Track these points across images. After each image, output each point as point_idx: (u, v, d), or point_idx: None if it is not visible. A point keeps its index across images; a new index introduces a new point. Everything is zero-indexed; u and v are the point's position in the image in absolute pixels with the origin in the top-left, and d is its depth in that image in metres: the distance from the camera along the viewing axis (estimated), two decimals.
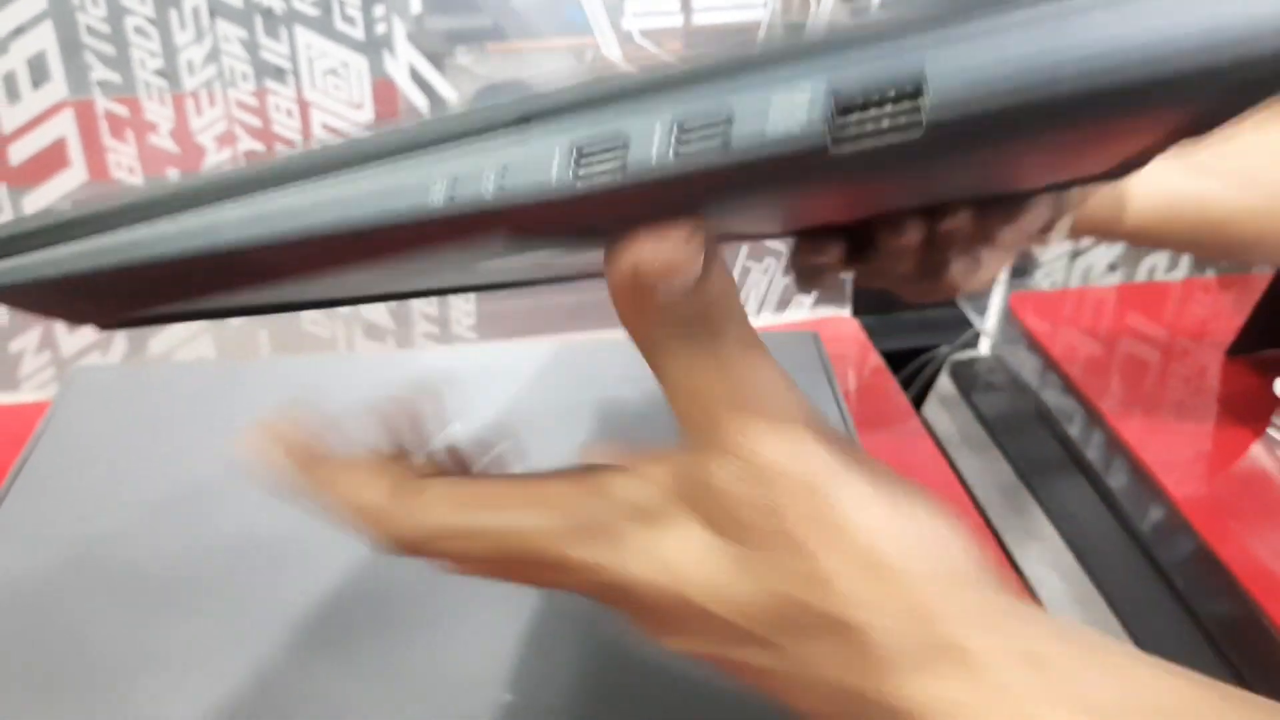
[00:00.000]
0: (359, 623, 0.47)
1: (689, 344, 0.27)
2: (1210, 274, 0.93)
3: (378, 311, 0.88)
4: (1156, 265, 0.94)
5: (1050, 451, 0.71)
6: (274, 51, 0.77)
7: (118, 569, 0.51)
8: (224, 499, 0.54)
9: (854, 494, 0.26)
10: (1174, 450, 0.66)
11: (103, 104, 0.79)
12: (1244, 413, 0.67)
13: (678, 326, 0.26)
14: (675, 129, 0.23)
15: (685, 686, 0.43)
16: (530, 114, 0.25)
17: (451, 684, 0.44)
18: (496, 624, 0.46)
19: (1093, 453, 0.69)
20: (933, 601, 0.25)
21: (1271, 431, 0.64)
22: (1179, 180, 0.50)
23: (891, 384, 0.75)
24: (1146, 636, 0.58)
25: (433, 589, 0.47)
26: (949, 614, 0.25)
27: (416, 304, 0.86)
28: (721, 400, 0.26)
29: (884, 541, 0.26)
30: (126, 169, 0.82)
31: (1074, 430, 0.70)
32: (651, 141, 0.23)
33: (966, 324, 0.89)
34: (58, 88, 0.78)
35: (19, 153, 0.79)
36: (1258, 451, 0.64)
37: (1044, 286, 0.92)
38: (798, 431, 0.27)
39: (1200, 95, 0.22)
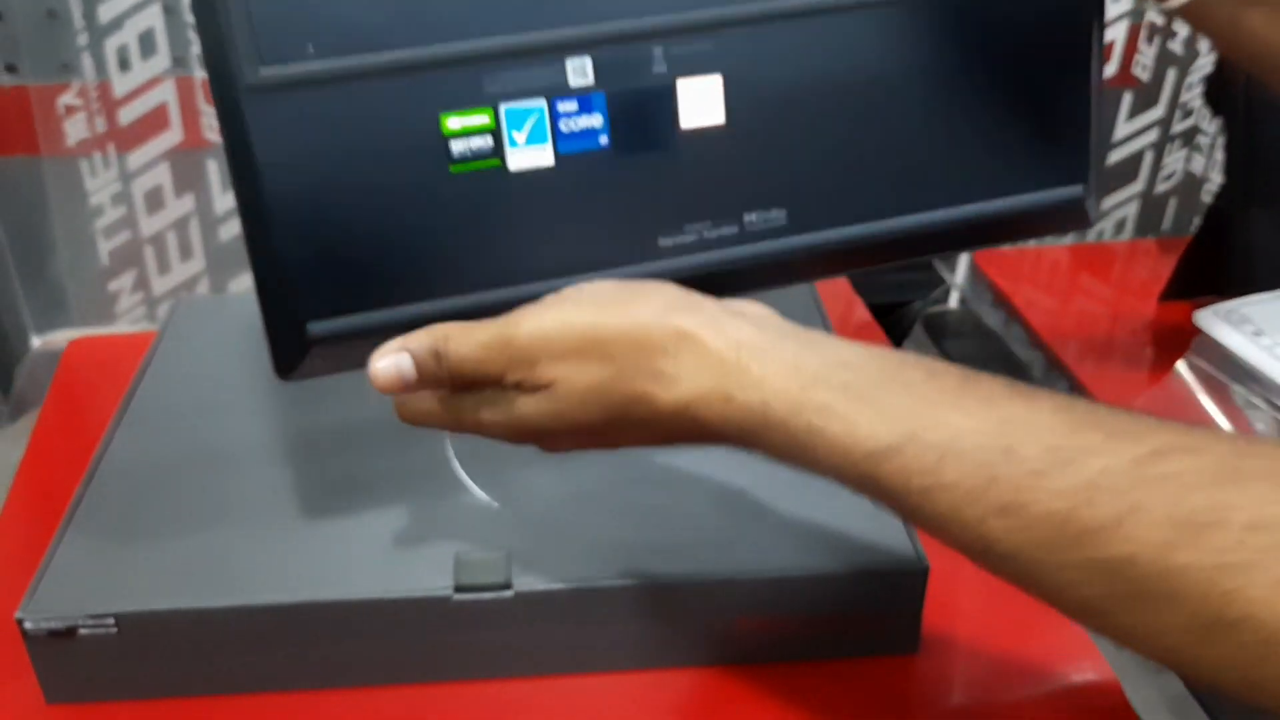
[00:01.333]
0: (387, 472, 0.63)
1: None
2: (1150, 239, 1.10)
3: None
4: (1104, 230, 1.11)
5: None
6: None
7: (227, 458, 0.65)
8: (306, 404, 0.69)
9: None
10: (1113, 380, 0.82)
11: (200, 75, 0.93)
12: (1169, 346, 0.82)
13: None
14: None
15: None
16: None
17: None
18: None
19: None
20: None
21: (1189, 356, 0.79)
22: None
23: (876, 331, 0.88)
24: None
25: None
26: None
27: None
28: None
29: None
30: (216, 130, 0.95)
31: (1035, 373, 0.86)
32: None
33: (939, 280, 1.03)
34: (162, 60, 0.92)
35: (127, 115, 0.93)
36: (1177, 370, 0.79)
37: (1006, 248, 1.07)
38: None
39: None
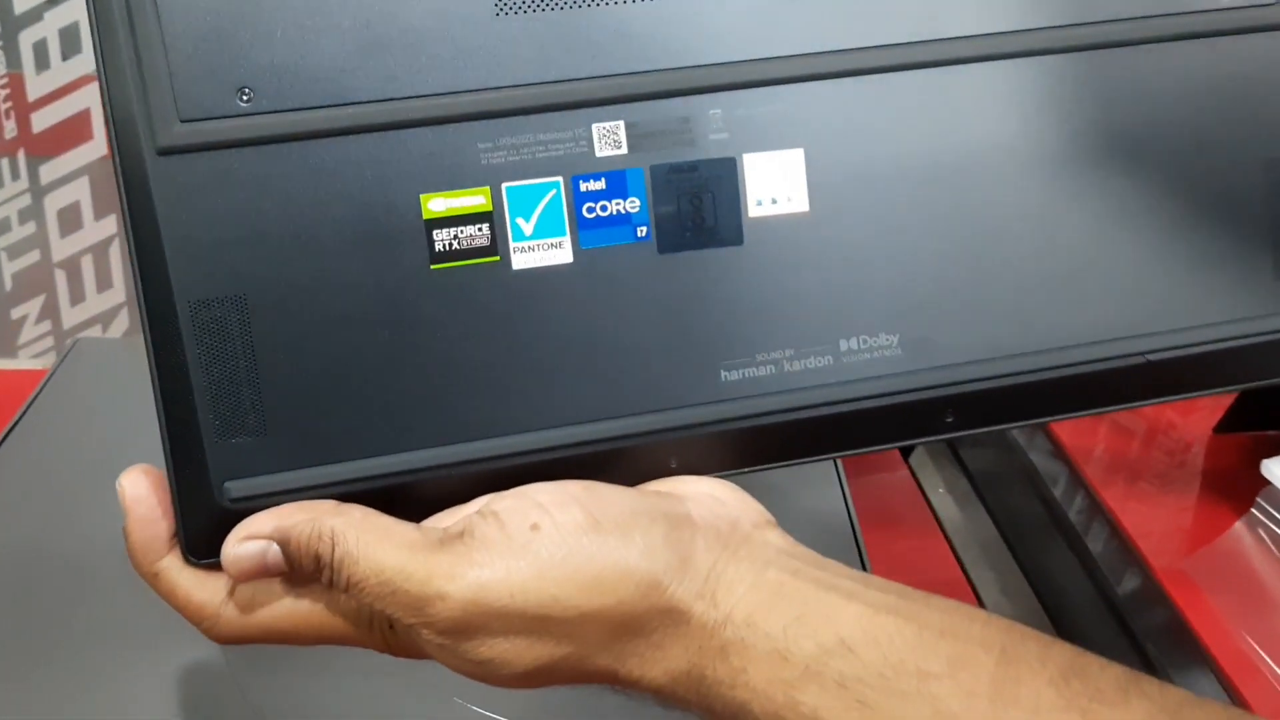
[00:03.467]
0: None
1: None
2: None
3: None
4: None
5: (1033, 510, 0.75)
6: None
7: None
8: None
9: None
10: (1154, 519, 0.69)
11: None
12: (1227, 490, 0.70)
13: None
14: None
15: None
16: None
17: None
18: None
19: (1074, 515, 0.72)
20: None
21: (1255, 511, 0.67)
22: None
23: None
24: None
25: None
26: None
27: None
28: None
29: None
30: None
31: (1058, 491, 0.73)
32: None
33: None
34: (86, 61, 0.78)
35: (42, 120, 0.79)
36: (1240, 529, 0.67)
37: None
38: None
39: None
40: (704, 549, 0.35)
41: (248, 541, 0.35)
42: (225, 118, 0.34)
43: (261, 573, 0.35)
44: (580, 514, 0.34)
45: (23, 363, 0.86)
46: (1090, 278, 0.39)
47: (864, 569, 0.64)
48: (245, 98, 0.34)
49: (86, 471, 0.58)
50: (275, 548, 0.34)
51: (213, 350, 0.35)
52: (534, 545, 0.33)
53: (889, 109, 0.37)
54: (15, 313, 0.84)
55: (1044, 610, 0.70)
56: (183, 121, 0.34)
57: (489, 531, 0.34)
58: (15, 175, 0.81)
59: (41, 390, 0.64)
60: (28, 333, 0.85)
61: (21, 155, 0.80)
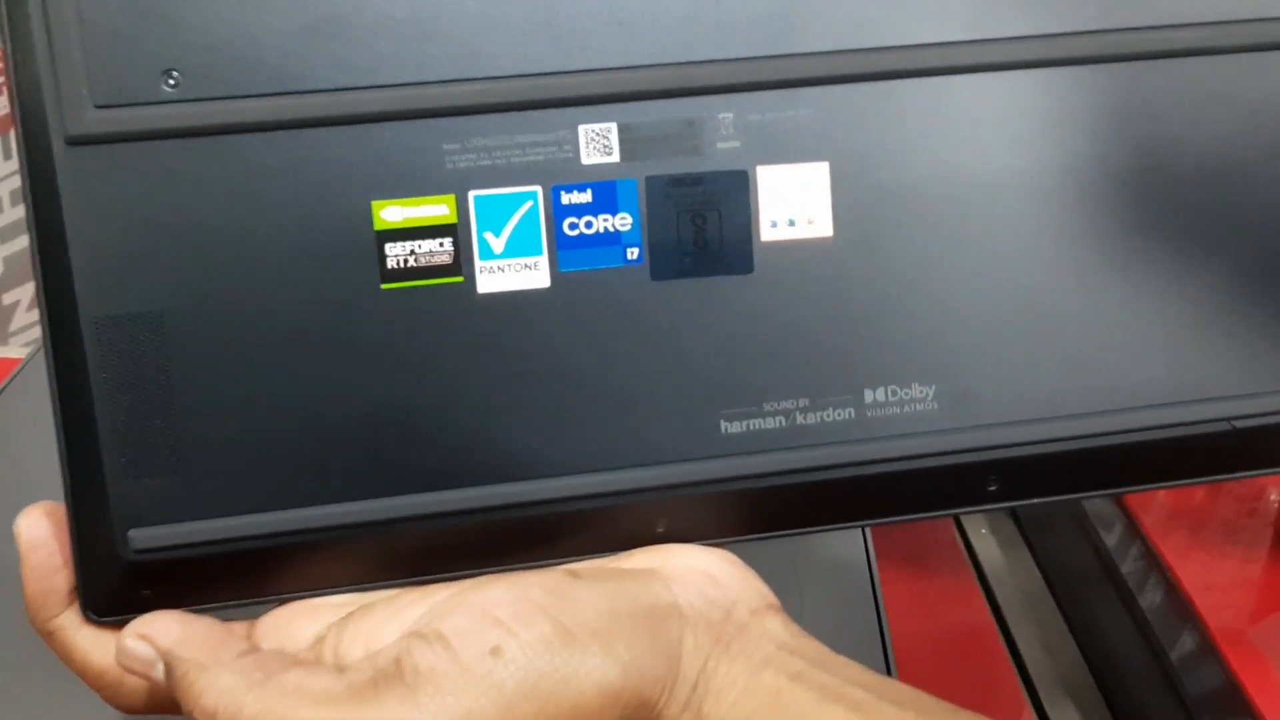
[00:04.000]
0: None
1: None
2: None
3: None
4: None
5: (1083, 559, 0.68)
6: None
7: None
8: None
9: None
10: (1217, 576, 0.63)
11: None
12: None
13: None
14: None
15: None
16: None
17: None
18: None
19: (1128, 566, 0.66)
20: None
21: None
22: None
23: None
24: None
25: None
26: None
27: None
28: None
29: None
30: None
31: (1111, 540, 0.67)
32: None
33: None
34: None
35: None
36: None
37: None
38: None
39: None
40: (692, 647, 0.29)
41: (141, 641, 0.30)
42: (147, 104, 0.29)
43: (146, 672, 0.30)
44: (548, 626, 0.28)
45: (13, 350, 0.82)
46: (1166, 327, 0.33)
47: (878, 616, 0.58)
48: (172, 82, 0.29)
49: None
50: (161, 668, 0.29)
51: (122, 375, 0.30)
52: (497, 674, 0.27)
53: (933, 119, 0.31)
54: (7, 298, 0.81)
55: (1089, 668, 0.64)
56: (97, 107, 0.29)
57: (436, 662, 0.28)
58: (7, 155, 0.76)
59: (14, 377, 0.61)
60: (19, 319, 0.82)
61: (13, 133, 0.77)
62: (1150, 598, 0.64)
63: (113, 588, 0.30)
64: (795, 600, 0.33)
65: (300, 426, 0.30)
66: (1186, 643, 0.62)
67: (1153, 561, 0.65)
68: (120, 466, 0.30)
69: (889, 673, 0.54)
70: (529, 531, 0.31)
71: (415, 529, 0.31)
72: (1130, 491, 0.34)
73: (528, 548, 0.32)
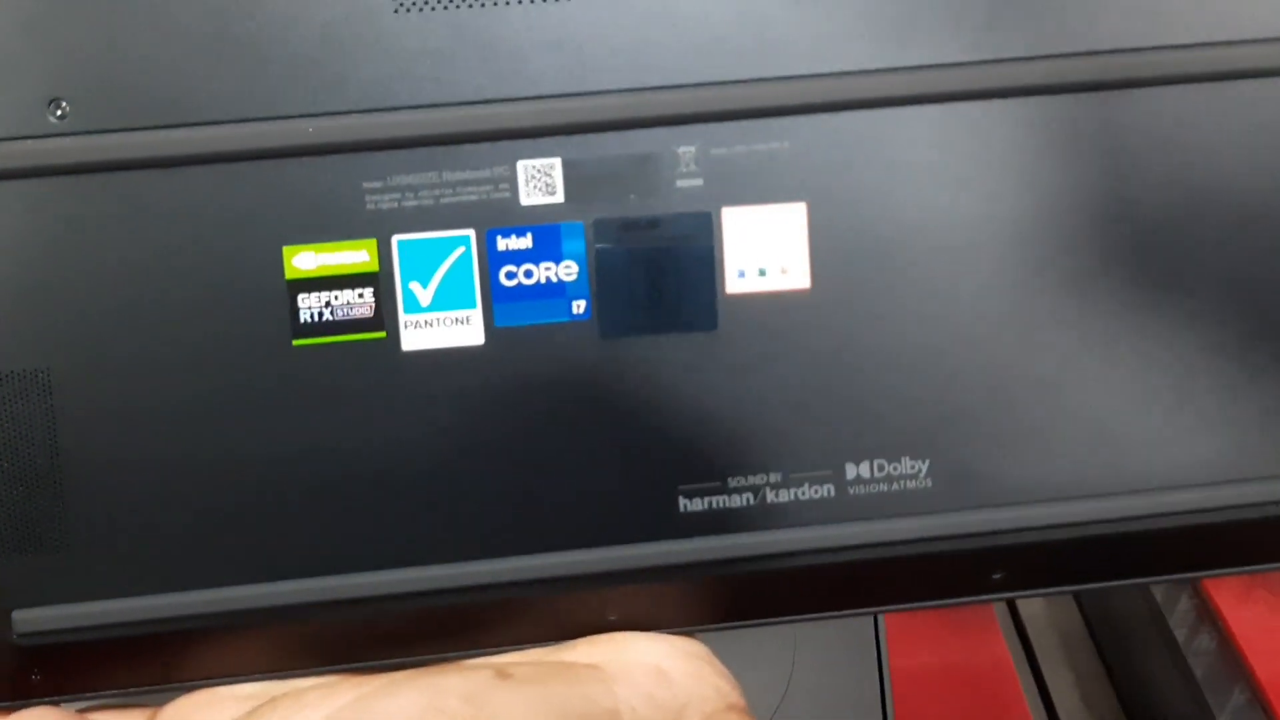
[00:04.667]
0: None
1: None
2: None
3: None
4: None
5: (1129, 605, 0.64)
6: None
7: None
8: None
9: None
10: (1271, 626, 0.58)
11: None
12: None
13: None
14: None
15: None
16: None
17: None
18: None
19: (1177, 616, 0.61)
20: None
21: None
22: None
23: None
24: None
25: None
26: None
27: None
28: None
29: None
30: None
31: (1161, 587, 0.62)
32: None
33: None
34: None
35: None
36: None
37: None
38: None
39: None
40: None
41: None
42: (31, 138, 0.26)
43: None
44: None
45: None
46: (1200, 397, 0.28)
47: (877, 652, 0.53)
48: (59, 113, 0.26)
49: None
50: None
51: (2, 439, 0.27)
52: None
53: (929, 154, 0.27)
54: None
55: None
56: None
57: None
58: None
59: None
60: None
61: None
62: (1199, 651, 0.59)
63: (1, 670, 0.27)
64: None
65: (202, 500, 0.27)
66: (1238, 699, 0.57)
67: (1205, 613, 0.60)
68: (2, 543, 0.27)
69: (884, 718, 0.50)
70: (460, 619, 0.28)
71: (330, 615, 0.27)
72: (1158, 582, 0.29)
73: (459, 636, 0.28)
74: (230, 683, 0.28)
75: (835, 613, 0.29)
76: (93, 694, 0.28)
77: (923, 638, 0.56)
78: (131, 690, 0.28)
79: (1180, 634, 0.60)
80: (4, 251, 0.26)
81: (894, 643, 0.52)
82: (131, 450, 0.26)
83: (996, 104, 0.27)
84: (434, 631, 0.28)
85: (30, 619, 0.27)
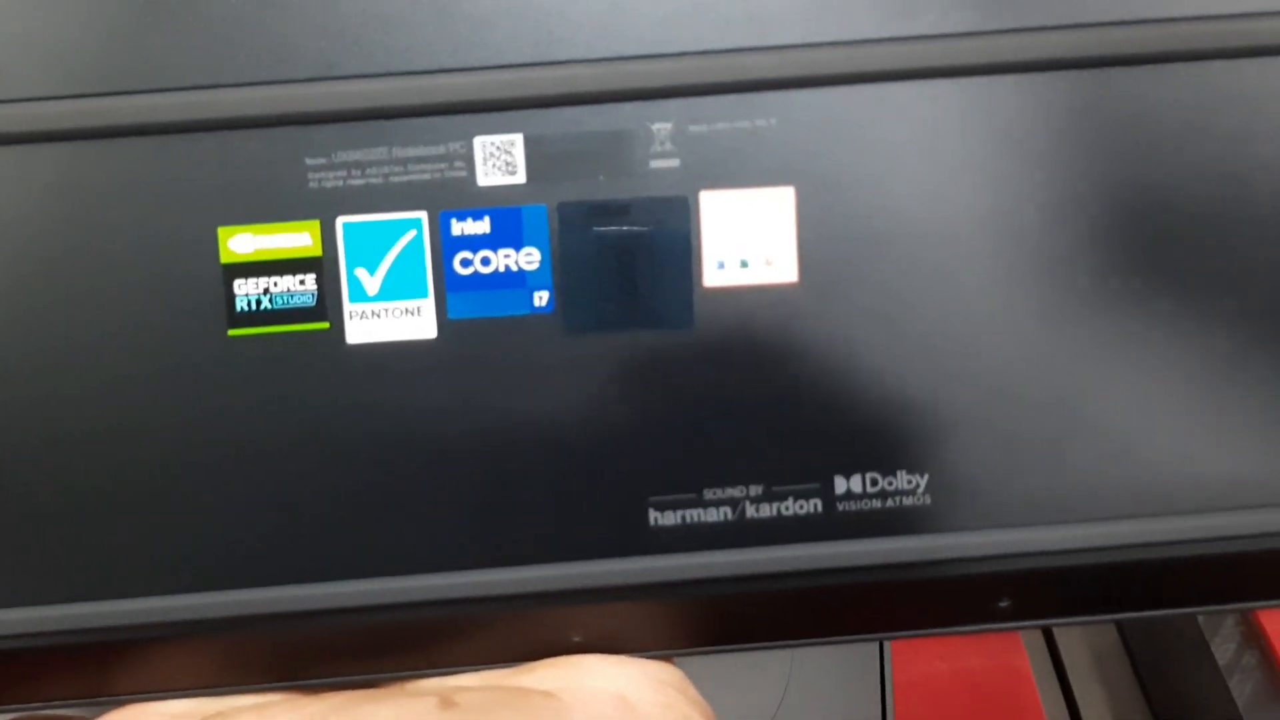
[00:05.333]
0: None
1: None
2: None
3: None
4: None
5: (1169, 621, 0.61)
6: None
7: None
8: None
9: None
10: None
11: None
12: None
13: None
14: None
15: None
16: None
17: None
18: None
19: (1220, 637, 0.58)
20: None
21: None
22: None
23: None
24: None
25: None
26: None
27: None
28: None
29: None
30: None
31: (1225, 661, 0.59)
32: None
33: None
34: None
35: None
36: None
37: None
38: None
39: None
40: None
41: None
42: None
43: None
44: None
45: None
46: (1232, 410, 0.25)
47: (880, 659, 0.50)
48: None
49: None
50: None
51: None
52: None
53: (932, 134, 0.24)
54: None
55: None
56: None
57: None
58: None
59: None
60: None
61: None
62: (1241, 671, 0.56)
63: None
64: None
65: (130, 501, 0.25)
66: None
67: (1252, 635, 0.57)
68: None
69: None
70: (411, 635, 0.25)
71: (269, 629, 0.25)
72: (1181, 614, 0.26)
73: (409, 654, 0.26)
74: (162, 698, 0.26)
75: (821, 639, 0.26)
76: (16, 706, 0.26)
77: (931, 642, 0.53)
78: (57, 702, 0.26)
79: (1224, 653, 0.57)
80: None
81: (899, 647, 0.50)
82: (54, 444, 0.24)
83: (1011, 80, 0.24)
84: (382, 648, 0.26)
85: None
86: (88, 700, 0.26)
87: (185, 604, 0.25)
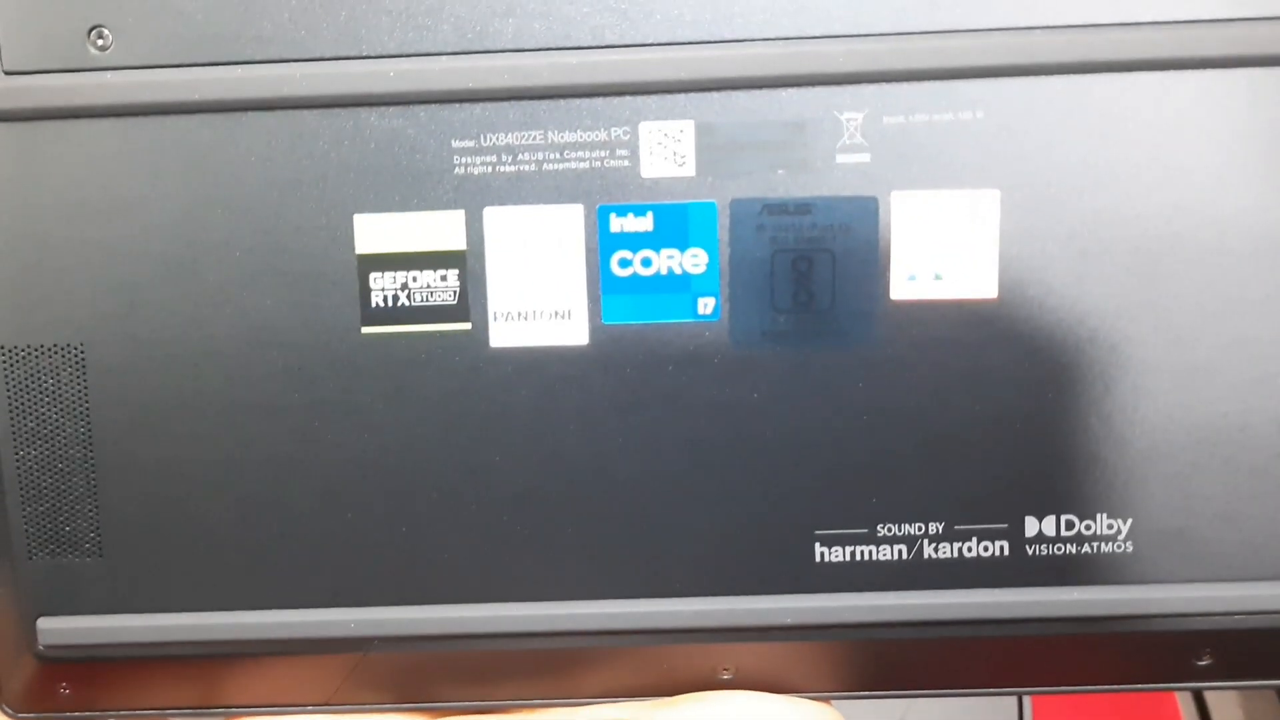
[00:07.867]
0: None
1: None
2: None
3: None
4: None
5: None
6: None
7: None
8: None
9: None
10: None
11: None
12: None
13: None
14: None
15: None
16: None
17: None
18: None
19: None
20: None
21: None
22: None
23: None
24: None
25: None
26: None
27: None
28: None
29: None
30: None
31: None
32: None
33: None
34: None
35: None
36: None
37: None
38: None
39: None
40: None
41: None
42: (69, 70, 0.22)
43: None
44: None
45: None
46: None
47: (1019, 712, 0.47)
48: (101, 42, 0.22)
49: None
50: None
51: (33, 422, 0.23)
52: None
53: (1162, 134, 0.21)
54: None
55: None
56: (7, 74, 0.22)
57: None
58: None
59: None
60: None
61: None
62: None
63: (26, 682, 0.24)
64: None
65: (253, 507, 0.23)
66: None
67: None
68: (28, 538, 0.23)
69: None
70: (549, 663, 0.23)
71: (398, 649, 0.23)
72: None
73: (546, 681, 0.24)
74: (277, 713, 0.24)
75: (995, 690, 0.24)
76: (127, 713, 0.25)
77: (1078, 710, 0.50)
78: (168, 712, 0.25)
79: None
80: (29, 203, 0.22)
81: (1040, 707, 0.46)
82: (174, 445, 0.23)
83: (1259, 74, 0.21)
84: (517, 674, 0.24)
85: (56, 628, 0.23)
86: (198, 711, 0.25)
87: (310, 619, 0.23)
